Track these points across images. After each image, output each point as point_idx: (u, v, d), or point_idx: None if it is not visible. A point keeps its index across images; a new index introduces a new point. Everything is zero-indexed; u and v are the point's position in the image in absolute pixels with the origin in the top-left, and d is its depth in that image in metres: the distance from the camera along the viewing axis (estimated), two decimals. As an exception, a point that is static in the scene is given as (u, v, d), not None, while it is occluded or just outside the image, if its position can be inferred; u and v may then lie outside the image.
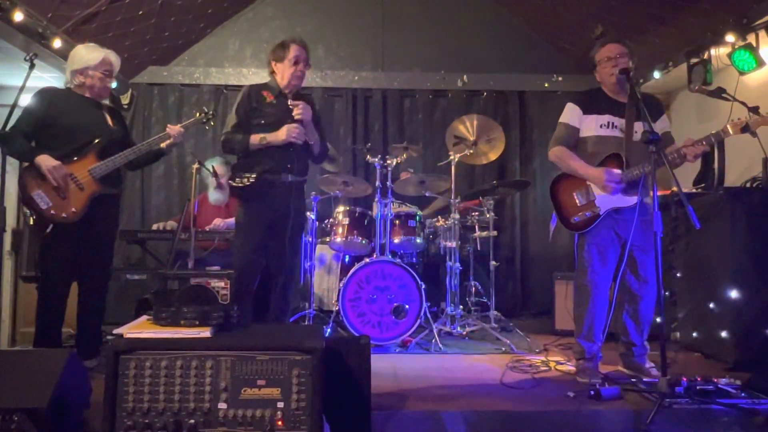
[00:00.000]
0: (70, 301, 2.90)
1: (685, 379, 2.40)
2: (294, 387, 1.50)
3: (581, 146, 2.84)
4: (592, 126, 2.80)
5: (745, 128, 2.50)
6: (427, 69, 5.14)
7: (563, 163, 2.83)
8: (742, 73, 3.60)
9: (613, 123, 2.77)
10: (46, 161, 2.64)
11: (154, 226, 4.27)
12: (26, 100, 2.76)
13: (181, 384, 1.48)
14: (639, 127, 2.75)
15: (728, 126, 2.53)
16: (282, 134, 2.77)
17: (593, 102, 2.84)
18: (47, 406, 1.76)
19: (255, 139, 2.80)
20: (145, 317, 1.75)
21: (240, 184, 2.74)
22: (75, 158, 2.75)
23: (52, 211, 2.67)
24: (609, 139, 2.76)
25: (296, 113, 2.78)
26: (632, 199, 2.68)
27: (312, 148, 2.94)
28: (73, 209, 2.71)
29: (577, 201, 2.77)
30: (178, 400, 1.48)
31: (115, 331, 1.56)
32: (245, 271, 2.84)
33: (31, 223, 2.80)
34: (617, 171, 2.70)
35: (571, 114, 2.85)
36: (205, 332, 1.58)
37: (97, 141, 2.82)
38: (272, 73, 2.93)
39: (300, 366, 1.50)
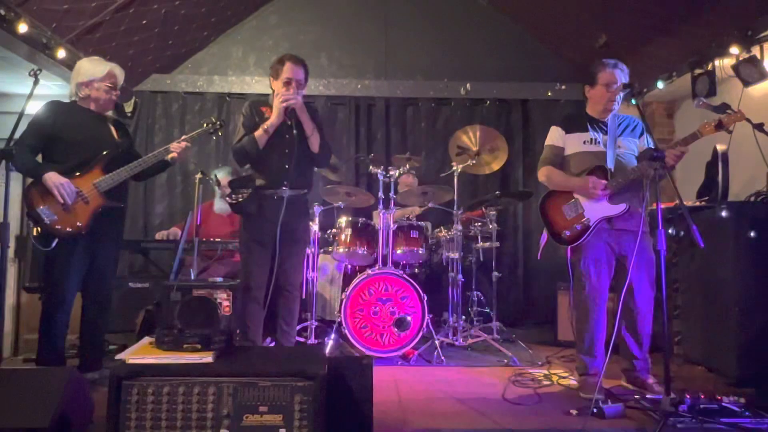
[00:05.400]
0: (75, 307, 2.91)
1: (688, 396, 2.39)
2: (296, 413, 1.50)
3: (567, 164, 2.93)
4: (576, 143, 2.89)
5: (719, 125, 2.52)
6: (430, 77, 5.14)
7: (550, 180, 2.92)
8: (746, 84, 3.59)
9: (596, 139, 2.86)
10: (53, 178, 2.65)
11: (158, 235, 4.27)
12: (32, 108, 2.76)
13: (183, 410, 1.48)
14: (620, 143, 2.85)
15: (703, 126, 2.56)
16: (274, 111, 2.81)
17: (575, 122, 2.95)
18: (50, 426, 1.76)
19: (258, 132, 2.83)
20: (147, 339, 1.75)
21: (235, 201, 2.77)
22: (80, 172, 2.76)
23: (57, 226, 2.68)
24: (592, 155, 2.84)
25: (284, 100, 2.80)
26: (620, 207, 2.75)
27: (311, 144, 2.92)
28: (78, 223, 2.72)
29: (566, 215, 2.83)
30: (180, 427, 1.48)
31: (117, 357, 1.56)
32: (251, 286, 2.87)
33: (35, 234, 2.81)
34: (601, 180, 2.75)
35: (555, 135, 2.97)
36: (207, 357, 1.58)
37: (102, 154, 2.83)
38: (272, 87, 2.95)
39: (302, 392, 1.50)
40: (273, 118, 2.81)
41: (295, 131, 2.83)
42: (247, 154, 2.88)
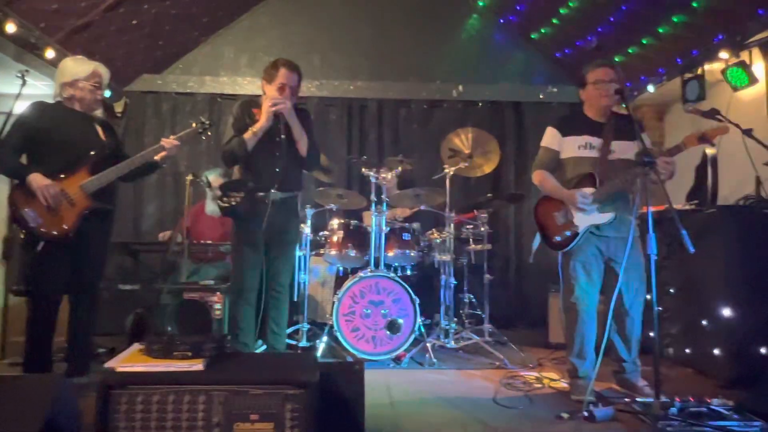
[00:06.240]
0: (63, 310, 2.88)
1: (678, 399, 2.41)
2: (287, 422, 1.48)
3: (561, 168, 2.92)
4: (571, 147, 2.87)
5: (702, 138, 2.54)
6: (422, 79, 5.14)
7: (543, 186, 2.93)
8: (735, 89, 3.62)
9: (590, 143, 2.84)
10: (37, 180, 2.61)
11: (161, 236, 4.22)
12: (20, 108, 2.73)
13: (174, 419, 1.46)
14: (616, 146, 2.82)
15: (687, 139, 2.57)
16: (264, 115, 2.79)
17: (572, 124, 2.92)
18: (37, 434, 1.74)
19: (247, 135, 2.82)
20: (136, 346, 1.73)
21: (227, 204, 2.75)
22: (66, 173, 2.72)
23: (42, 229, 2.64)
24: (586, 160, 2.83)
25: (273, 104, 2.78)
26: (608, 216, 2.75)
27: (299, 147, 2.91)
28: (64, 226, 2.68)
29: (557, 221, 2.84)
30: (170, 436, 1.47)
31: (106, 365, 1.54)
32: (243, 288, 2.86)
33: (22, 236, 2.78)
34: (590, 190, 2.75)
35: (551, 138, 2.94)
36: (198, 365, 1.57)
37: (89, 155, 2.79)
38: (264, 91, 2.93)
39: (293, 400, 1.49)
40: (262, 121, 2.80)
41: (284, 135, 2.82)
42: (236, 156, 2.87)
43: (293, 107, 2.88)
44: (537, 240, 2.95)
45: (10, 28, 3.27)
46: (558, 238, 2.82)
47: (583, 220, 2.77)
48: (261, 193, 2.84)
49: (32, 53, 3.60)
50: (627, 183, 2.68)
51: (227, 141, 2.90)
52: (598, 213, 2.75)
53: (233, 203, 2.77)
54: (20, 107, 2.72)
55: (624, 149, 2.82)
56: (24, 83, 2.49)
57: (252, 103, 2.98)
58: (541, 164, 2.94)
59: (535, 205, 2.96)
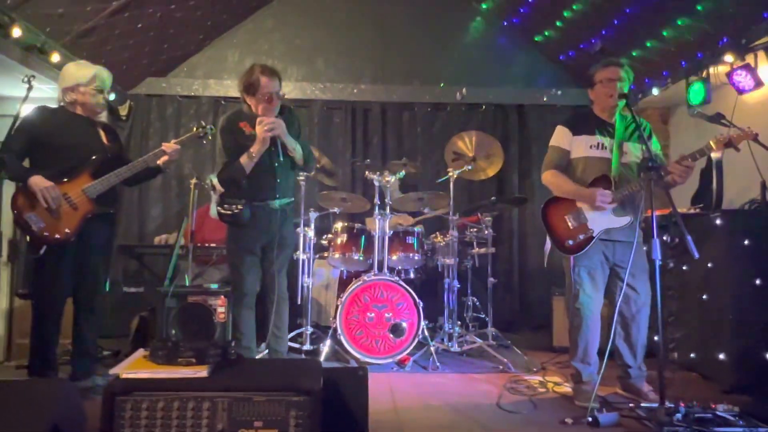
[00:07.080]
0: (68, 312, 2.89)
1: (683, 404, 2.40)
2: (292, 429, 1.49)
3: (571, 168, 2.87)
4: (582, 147, 2.83)
5: (729, 144, 2.52)
6: (426, 82, 5.14)
7: (556, 186, 2.87)
8: (740, 93, 3.61)
9: (602, 144, 2.81)
10: (37, 182, 2.62)
11: (157, 240, 4.24)
12: (27, 112, 2.75)
13: (178, 426, 1.47)
14: (628, 148, 2.80)
15: (712, 142, 2.54)
16: (258, 139, 2.74)
17: (583, 123, 2.88)
18: (42, 439, 1.74)
19: (244, 159, 2.78)
20: (141, 352, 1.73)
21: (229, 212, 2.75)
22: (69, 177, 2.73)
23: (45, 233, 2.65)
24: (598, 161, 2.80)
25: (264, 130, 2.73)
26: (624, 220, 2.73)
27: (296, 160, 2.92)
28: (67, 230, 2.69)
29: (570, 224, 2.80)
30: (175, 443, 1.47)
31: (111, 371, 1.55)
32: (244, 293, 2.87)
33: (27, 240, 2.79)
34: (608, 191, 2.72)
35: (561, 137, 2.89)
36: (202, 371, 1.57)
37: (91, 159, 2.80)
38: (244, 100, 2.88)
39: (297, 407, 1.49)
40: (258, 145, 2.75)
41: (282, 158, 2.82)
42: (237, 182, 2.83)
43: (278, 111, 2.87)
44: (548, 243, 2.90)
45: (17, 32, 3.28)
46: (570, 242, 2.77)
47: (598, 224, 2.73)
48: (258, 203, 2.85)
49: (38, 57, 3.61)
50: (641, 188, 2.65)
51: (222, 168, 2.86)
52: (614, 216, 2.73)
53: (236, 211, 2.77)
54: (27, 110, 2.73)
55: (634, 152, 2.80)
56: (30, 87, 2.50)
57: (236, 116, 2.91)
58: (552, 164, 2.88)
59: (543, 207, 2.88)
